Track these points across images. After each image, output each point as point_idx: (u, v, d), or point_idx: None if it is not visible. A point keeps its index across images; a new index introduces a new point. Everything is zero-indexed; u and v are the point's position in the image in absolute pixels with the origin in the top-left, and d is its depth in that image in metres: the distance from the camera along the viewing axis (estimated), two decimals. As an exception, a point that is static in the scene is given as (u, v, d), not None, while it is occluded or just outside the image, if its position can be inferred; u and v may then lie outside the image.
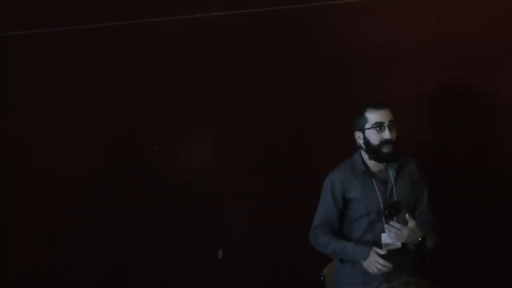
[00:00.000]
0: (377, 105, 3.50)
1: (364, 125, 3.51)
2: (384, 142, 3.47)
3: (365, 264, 3.45)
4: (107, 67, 4.04)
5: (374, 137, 3.49)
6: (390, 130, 3.47)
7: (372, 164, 3.57)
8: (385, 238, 3.51)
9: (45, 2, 3.93)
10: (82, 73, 4.03)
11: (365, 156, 3.57)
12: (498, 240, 4.23)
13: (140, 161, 4.15)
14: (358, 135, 3.55)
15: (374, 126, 3.48)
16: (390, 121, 3.49)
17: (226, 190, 4.21)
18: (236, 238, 4.22)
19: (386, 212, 3.50)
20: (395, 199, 3.54)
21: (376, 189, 3.55)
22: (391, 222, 3.46)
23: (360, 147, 3.57)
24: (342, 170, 3.60)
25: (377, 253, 3.43)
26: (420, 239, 3.48)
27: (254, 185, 4.16)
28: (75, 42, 4.00)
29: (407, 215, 3.46)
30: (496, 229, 4.24)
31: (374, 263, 3.42)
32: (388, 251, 3.49)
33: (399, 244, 3.51)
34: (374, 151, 3.50)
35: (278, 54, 4.15)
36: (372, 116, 3.49)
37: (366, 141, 3.51)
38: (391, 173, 3.56)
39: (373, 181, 3.54)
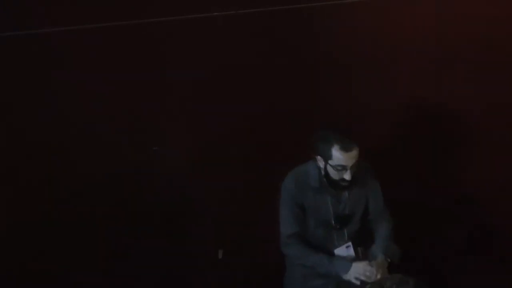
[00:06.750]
0: (346, 147, 3.32)
1: (328, 158, 3.37)
2: (343, 180, 3.40)
3: (346, 277, 3.40)
4: (107, 67, 4.05)
5: (334, 173, 3.40)
6: (351, 171, 3.37)
7: None
8: (338, 251, 3.50)
9: (45, 2, 3.94)
10: (82, 73, 4.03)
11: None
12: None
13: (139, 161, 4.17)
14: (319, 159, 3.43)
15: (338, 168, 3.37)
16: (354, 163, 3.37)
17: (221, 190, 4.21)
18: (230, 238, 4.24)
19: (337, 226, 3.49)
20: (347, 212, 3.51)
21: (329, 202, 3.51)
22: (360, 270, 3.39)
23: (319, 167, 3.46)
24: (297, 178, 3.53)
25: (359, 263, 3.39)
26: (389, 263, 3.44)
27: (251, 186, 4.17)
28: (75, 42, 4.01)
29: (379, 256, 3.41)
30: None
31: (358, 274, 3.35)
32: None
33: (353, 254, 3.50)
34: (331, 182, 3.43)
35: (277, 54, 4.16)
36: (338, 157, 3.34)
37: (326, 171, 3.42)
38: None
39: (327, 194, 3.48)
